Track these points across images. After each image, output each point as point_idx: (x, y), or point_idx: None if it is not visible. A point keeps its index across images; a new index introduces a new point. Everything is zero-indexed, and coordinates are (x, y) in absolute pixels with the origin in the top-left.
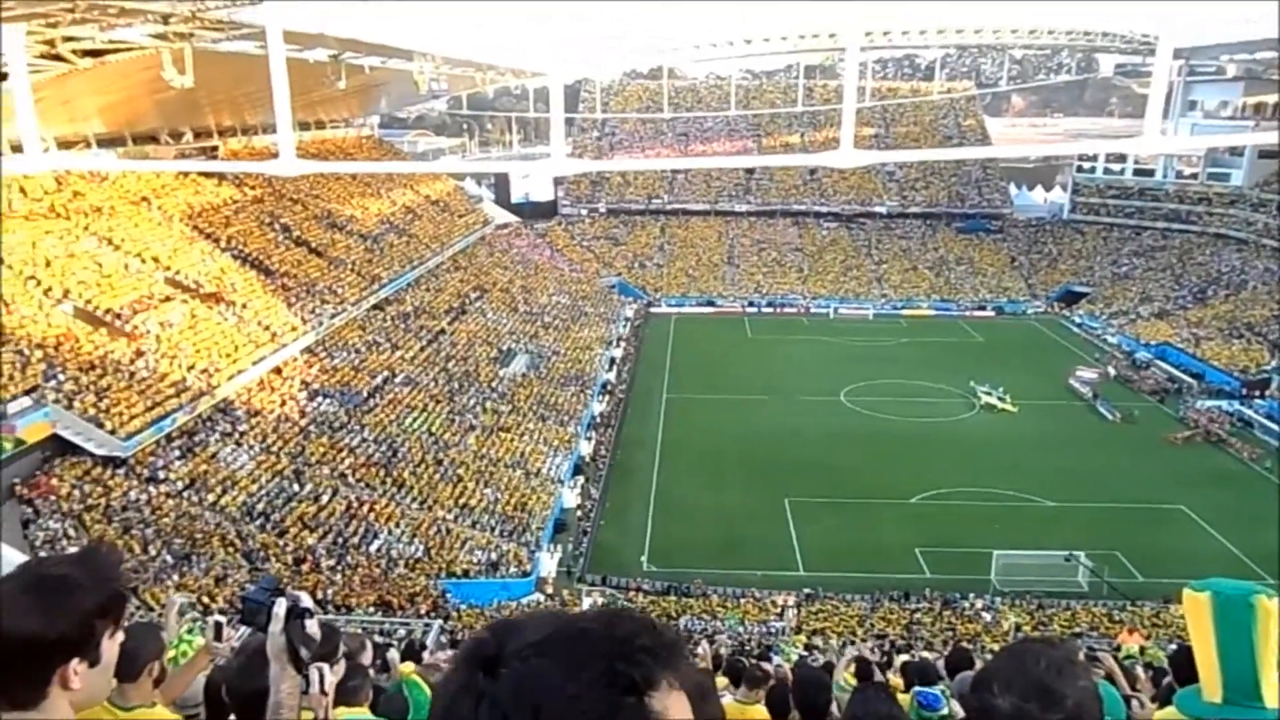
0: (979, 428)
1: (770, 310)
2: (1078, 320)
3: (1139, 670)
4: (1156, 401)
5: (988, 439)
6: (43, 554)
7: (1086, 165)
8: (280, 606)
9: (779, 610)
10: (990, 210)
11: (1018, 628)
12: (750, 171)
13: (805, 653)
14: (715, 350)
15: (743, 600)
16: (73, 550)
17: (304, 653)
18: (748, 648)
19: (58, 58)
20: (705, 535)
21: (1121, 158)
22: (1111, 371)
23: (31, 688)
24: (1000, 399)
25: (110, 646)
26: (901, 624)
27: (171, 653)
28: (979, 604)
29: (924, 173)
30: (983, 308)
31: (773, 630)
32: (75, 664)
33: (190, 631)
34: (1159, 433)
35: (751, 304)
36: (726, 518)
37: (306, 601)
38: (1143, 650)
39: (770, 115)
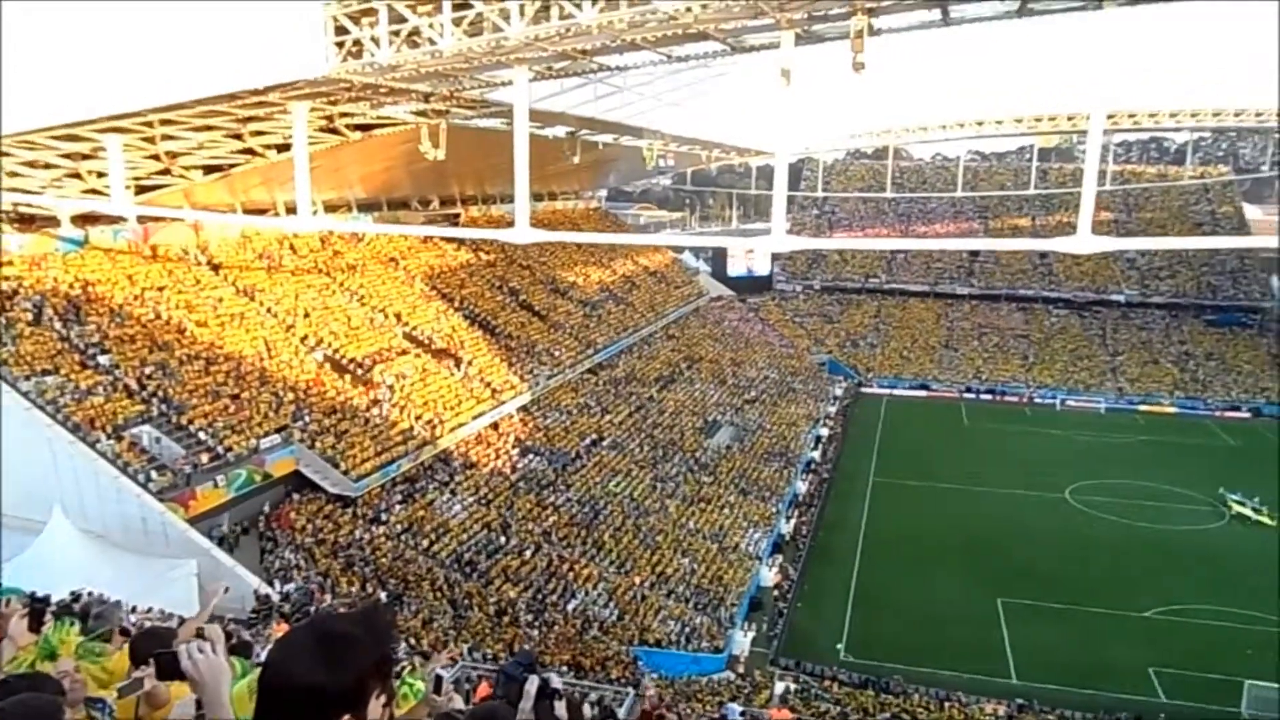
0: (1229, 540)
1: (989, 397)
2: None
3: None
4: None
5: (1240, 554)
6: (276, 581)
7: None
8: (532, 684)
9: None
10: (1247, 303)
11: None
12: (974, 254)
13: None
14: (928, 436)
15: (947, 704)
16: (354, 609)
17: None
18: None
19: (334, 131)
20: (908, 629)
21: None
22: None
23: None
24: (1256, 510)
25: (375, 706)
26: None
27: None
28: None
29: (1169, 261)
30: (1236, 408)
31: None
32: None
33: (411, 673)
34: None
35: (969, 390)
36: (933, 613)
37: (557, 682)
38: None
39: (999, 198)
